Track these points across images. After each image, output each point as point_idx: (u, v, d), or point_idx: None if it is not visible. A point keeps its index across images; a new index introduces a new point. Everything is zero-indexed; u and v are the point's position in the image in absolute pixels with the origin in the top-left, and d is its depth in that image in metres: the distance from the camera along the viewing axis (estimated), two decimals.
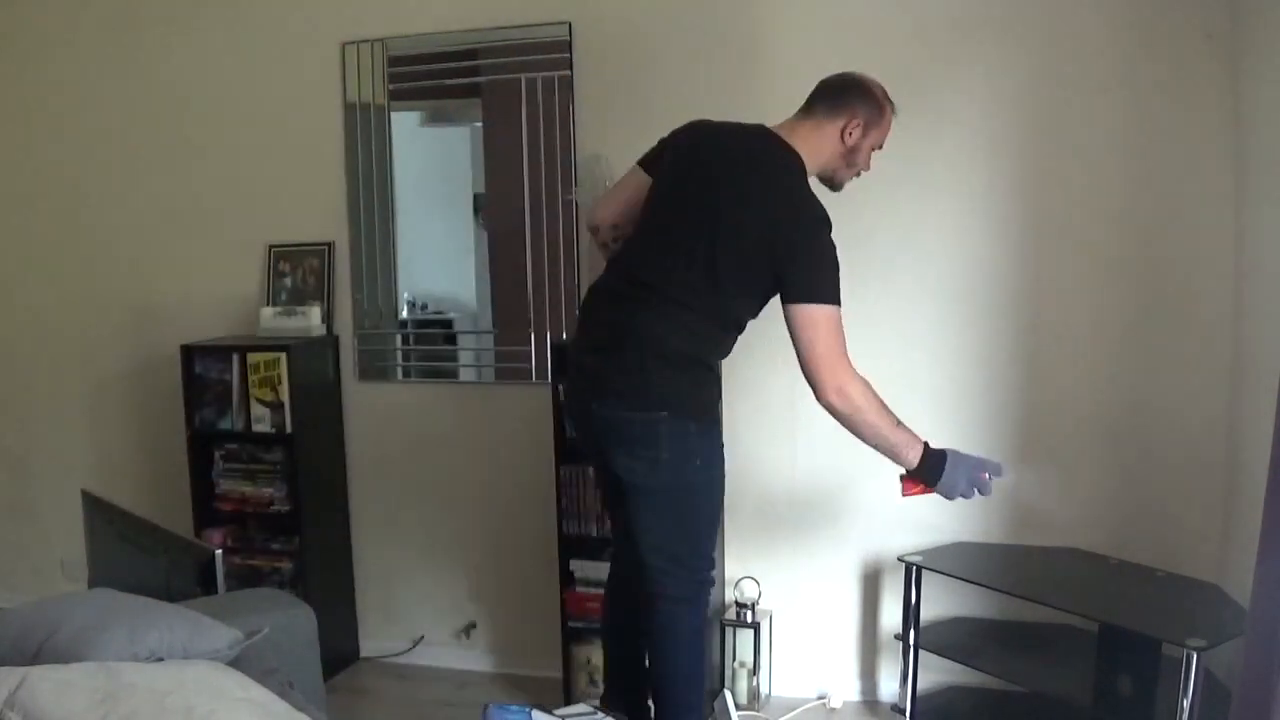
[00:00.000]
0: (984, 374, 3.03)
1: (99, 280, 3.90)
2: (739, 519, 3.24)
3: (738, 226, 2.26)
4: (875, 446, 2.29)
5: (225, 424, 3.43)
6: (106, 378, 3.94)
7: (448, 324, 3.62)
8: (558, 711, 2.48)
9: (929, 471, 2.29)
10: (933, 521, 3.02)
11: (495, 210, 3.45)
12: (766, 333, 3.20)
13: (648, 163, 2.52)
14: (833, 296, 2.20)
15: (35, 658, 1.70)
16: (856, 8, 3.02)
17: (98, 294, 3.91)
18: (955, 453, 2.33)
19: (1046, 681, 2.67)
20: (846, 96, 2.37)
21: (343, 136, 3.51)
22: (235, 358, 3.40)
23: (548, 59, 3.27)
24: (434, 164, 3.58)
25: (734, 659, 3.19)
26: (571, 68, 3.25)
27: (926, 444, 2.30)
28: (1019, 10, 2.90)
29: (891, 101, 2.44)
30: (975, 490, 2.32)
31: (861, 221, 3.05)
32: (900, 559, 2.91)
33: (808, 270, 2.20)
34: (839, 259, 2.23)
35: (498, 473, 3.51)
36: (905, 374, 3.03)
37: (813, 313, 2.18)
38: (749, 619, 3.17)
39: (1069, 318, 2.97)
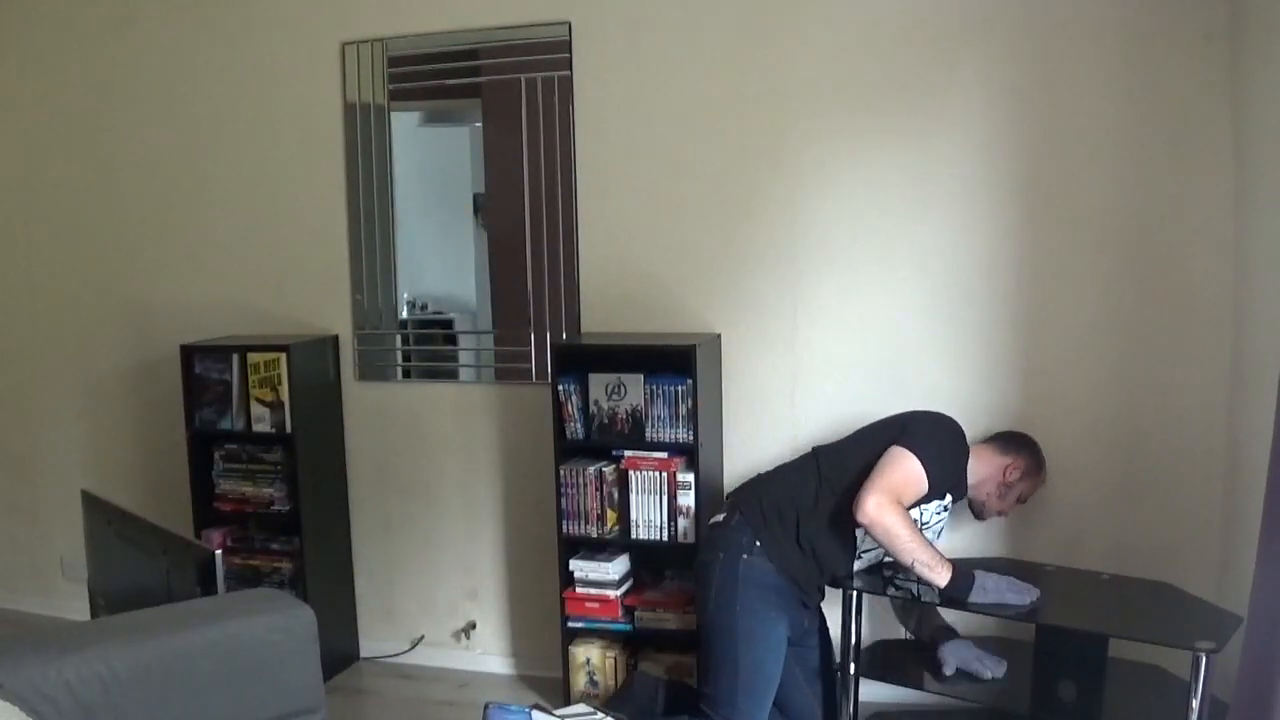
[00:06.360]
0: (981, 374, 3.03)
1: (99, 280, 3.90)
2: None
3: None
4: (911, 561, 2.50)
5: (225, 424, 3.43)
6: (106, 378, 3.94)
7: (448, 324, 3.62)
8: (558, 711, 2.48)
9: (959, 586, 2.49)
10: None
11: (495, 210, 3.45)
12: (763, 332, 3.21)
13: None
14: (925, 457, 2.57)
15: None
16: (858, 7, 3.01)
17: (97, 294, 3.91)
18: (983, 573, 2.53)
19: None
20: (1020, 446, 2.79)
21: (343, 136, 3.51)
22: (235, 358, 3.40)
23: (548, 59, 3.27)
24: (434, 164, 3.58)
25: None
26: (571, 68, 3.25)
27: (953, 564, 2.53)
28: (1019, 10, 2.89)
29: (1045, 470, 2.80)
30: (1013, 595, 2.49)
31: (860, 220, 3.06)
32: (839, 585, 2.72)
33: (925, 435, 2.64)
34: None
35: (498, 473, 3.51)
36: (902, 373, 3.04)
37: (898, 453, 2.58)
38: None
39: (1068, 318, 2.96)
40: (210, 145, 3.68)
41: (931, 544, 2.54)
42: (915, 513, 2.60)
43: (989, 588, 2.47)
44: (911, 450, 2.56)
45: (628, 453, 3.06)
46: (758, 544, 2.58)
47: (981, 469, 2.73)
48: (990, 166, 2.96)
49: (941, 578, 2.47)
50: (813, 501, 2.64)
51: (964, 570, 2.51)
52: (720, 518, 2.71)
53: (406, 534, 3.63)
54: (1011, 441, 2.80)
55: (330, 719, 2.02)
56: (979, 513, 2.81)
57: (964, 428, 2.77)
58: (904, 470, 2.53)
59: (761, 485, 2.76)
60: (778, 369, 3.18)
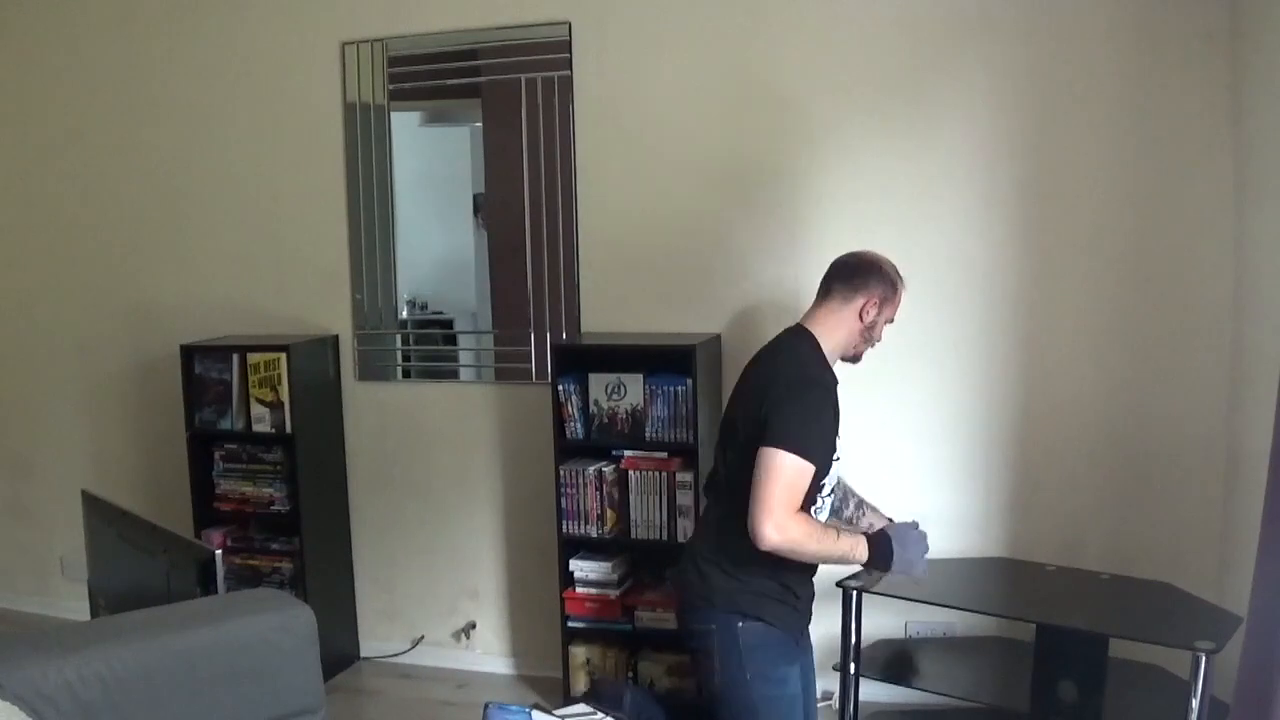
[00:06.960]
0: (982, 374, 3.03)
1: (99, 280, 3.90)
2: None
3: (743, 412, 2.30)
4: (827, 562, 2.27)
5: (225, 424, 3.43)
6: (106, 378, 3.94)
7: (448, 324, 3.62)
8: (558, 712, 2.47)
9: (880, 559, 2.26)
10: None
11: (495, 210, 3.45)
12: (763, 332, 3.20)
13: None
14: (799, 447, 2.16)
15: None
16: (857, 8, 3.02)
17: (98, 294, 3.91)
18: (896, 528, 2.31)
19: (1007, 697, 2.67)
20: (862, 278, 2.37)
21: (343, 136, 3.51)
22: (235, 358, 3.40)
23: (548, 59, 3.27)
24: (434, 164, 3.58)
25: None
26: (571, 68, 3.25)
27: (866, 535, 2.29)
28: (1019, 11, 2.89)
29: (901, 277, 2.39)
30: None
31: (859, 220, 3.06)
32: (839, 584, 2.66)
33: (784, 419, 2.19)
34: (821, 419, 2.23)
35: (498, 473, 3.51)
36: (902, 379, 3.03)
37: (771, 456, 2.15)
38: None
39: (1067, 319, 2.97)
40: (210, 145, 3.68)
41: (832, 529, 2.24)
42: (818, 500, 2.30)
43: (911, 560, 2.26)
44: (782, 446, 2.15)
45: (627, 453, 3.06)
46: (744, 609, 2.29)
47: (839, 331, 2.35)
48: (989, 166, 2.96)
49: (860, 556, 2.23)
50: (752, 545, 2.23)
51: (879, 537, 2.27)
52: (687, 576, 2.37)
53: (406, 534, 3.63)
54: (848, 278, 2.37)
55: (330, 719, 2.02)
56: (852, 360, 2.45)
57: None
58: (783, 473, 2.14)
59: (708, 542, 2.38)
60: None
